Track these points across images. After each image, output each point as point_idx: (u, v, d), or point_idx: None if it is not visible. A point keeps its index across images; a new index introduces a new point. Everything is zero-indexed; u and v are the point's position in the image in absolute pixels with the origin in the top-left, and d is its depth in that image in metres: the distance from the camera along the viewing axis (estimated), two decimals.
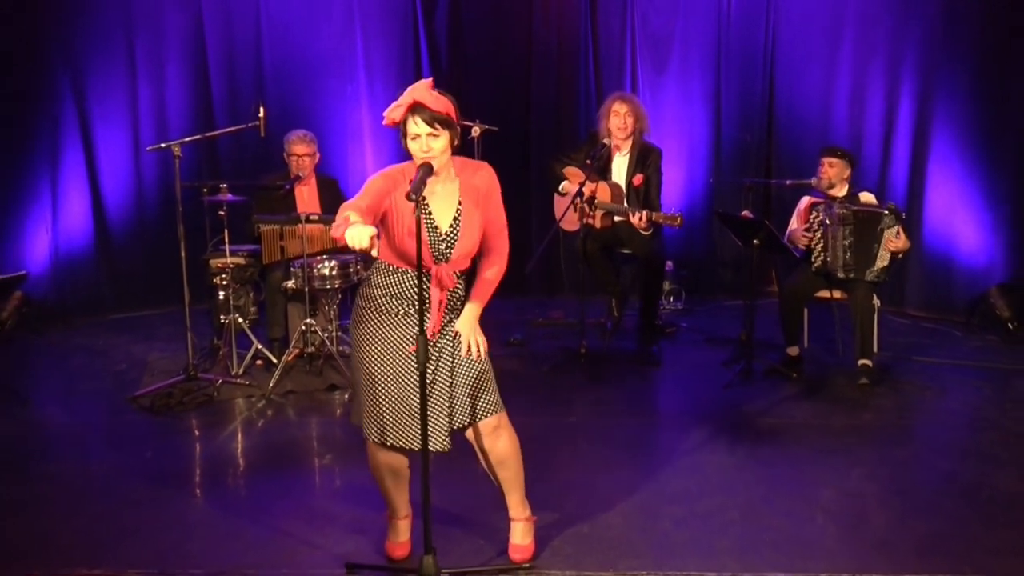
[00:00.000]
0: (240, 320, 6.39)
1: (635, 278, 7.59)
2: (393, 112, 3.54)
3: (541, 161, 8.10)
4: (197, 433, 5.52)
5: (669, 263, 7.96)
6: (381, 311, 3.65)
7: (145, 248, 8.21)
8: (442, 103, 3.51)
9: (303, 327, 6.27)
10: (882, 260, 6.03)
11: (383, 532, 4.02)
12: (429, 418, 3.58)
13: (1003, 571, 3.85)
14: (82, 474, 4.90)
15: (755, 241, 6.08)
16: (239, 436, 5.49)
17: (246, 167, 8.09)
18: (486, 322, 3.79)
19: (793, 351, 6.37)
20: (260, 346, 6.42)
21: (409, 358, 3.61)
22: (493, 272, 3.74)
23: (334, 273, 6.24)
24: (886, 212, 6.02)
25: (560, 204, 6.90)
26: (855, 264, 6.07)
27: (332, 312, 6.43)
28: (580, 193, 6.34)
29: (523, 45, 8.62)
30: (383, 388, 3.65)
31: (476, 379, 3.69)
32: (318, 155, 6.76)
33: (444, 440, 3.66)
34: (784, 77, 8.36)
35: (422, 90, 3.52)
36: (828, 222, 6.11)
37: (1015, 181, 7.36)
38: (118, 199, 8.17)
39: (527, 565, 3.88)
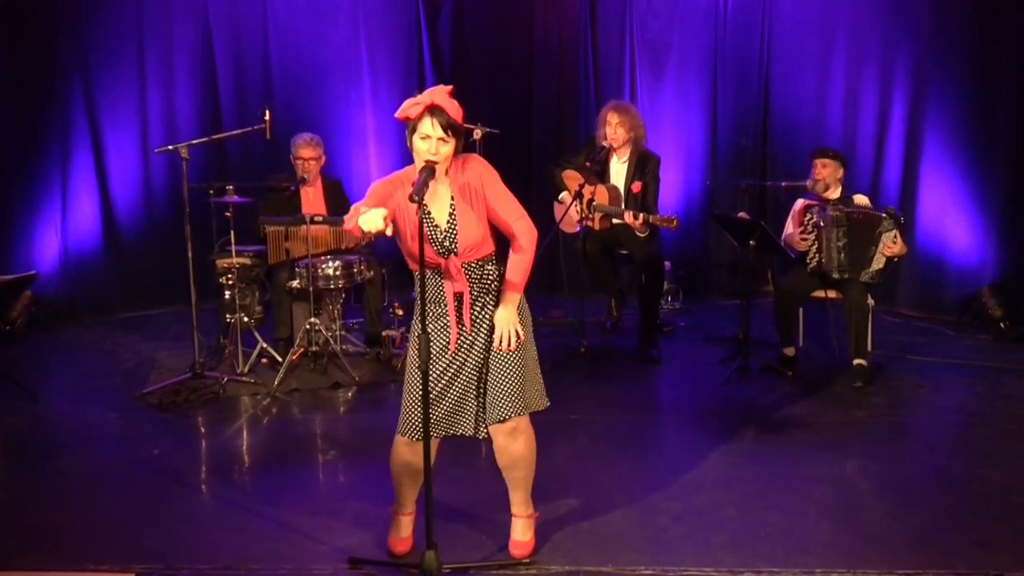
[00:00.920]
0: (246, 319, 6.37)
1: (633, 278, 7.57)
2: (410, 108, 3.51)
3: (542, 164, 8.08)
4: (203, 430, 5.51)
5: (667, 264, 7.93)
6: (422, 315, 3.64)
7: (153, 248, 8.20)
8: (457, 111, 3.50)
9: (307, 326, 6.25)
10: (877, 263, 6.01)
11: (386, 527, 4.00)
12: (460, 405, 3.67)
13: (995, 564, 3.83)
14: (91, 469, 4.88)
15: (751, 242, 6.06)
16: (244, 433, 5.47)
17: (252, 169, 8.09)
18: None
19: (789, 350, 6.35)
20: (265, 345, 6.41)
21: (443, 355, 3.65)
22: (520, 254, 3.64)
23: (338, 273, 6.22)
24: (884, 216, 6.00)
25: (560, 209, 6.88)
26: (850, 265, 6.05)
27: (336, 311, 6.41)
28: (580, 195, 6.32)
29: (524, 51, 8.62)
30: (415, 385, 3.66)
31: (506, 375, 3.67)
32: (324, 158, 6.75)
33: (469, 426, 3.72)
34: (779, 82, 8.35)
35: (442, 94, 3.51)
36: (822, 224, 6.09)
37: (1005, 182, 7.35)
38: (127, 200, 8.16)
39: (527, 561, 3.86)
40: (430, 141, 3.46)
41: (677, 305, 8.18)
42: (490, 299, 3.67)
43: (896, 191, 7.82)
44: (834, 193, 6.28)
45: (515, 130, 8.40)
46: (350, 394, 6.02)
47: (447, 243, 3.60)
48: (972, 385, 6.12)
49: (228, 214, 6.12)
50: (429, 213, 3.61)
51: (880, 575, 3.77)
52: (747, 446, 5.09)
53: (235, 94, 8.33)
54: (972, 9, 7.37)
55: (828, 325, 6.71)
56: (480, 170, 3.62)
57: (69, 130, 7.84)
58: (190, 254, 5.97)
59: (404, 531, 3.95)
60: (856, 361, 6.02)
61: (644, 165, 6.75)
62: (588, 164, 6.50)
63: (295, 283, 6.28)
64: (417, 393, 3.63)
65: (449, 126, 3.45)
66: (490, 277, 3.68)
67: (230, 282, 6.36)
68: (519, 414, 3.70)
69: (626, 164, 6.79)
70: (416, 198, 3.28)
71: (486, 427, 3.73)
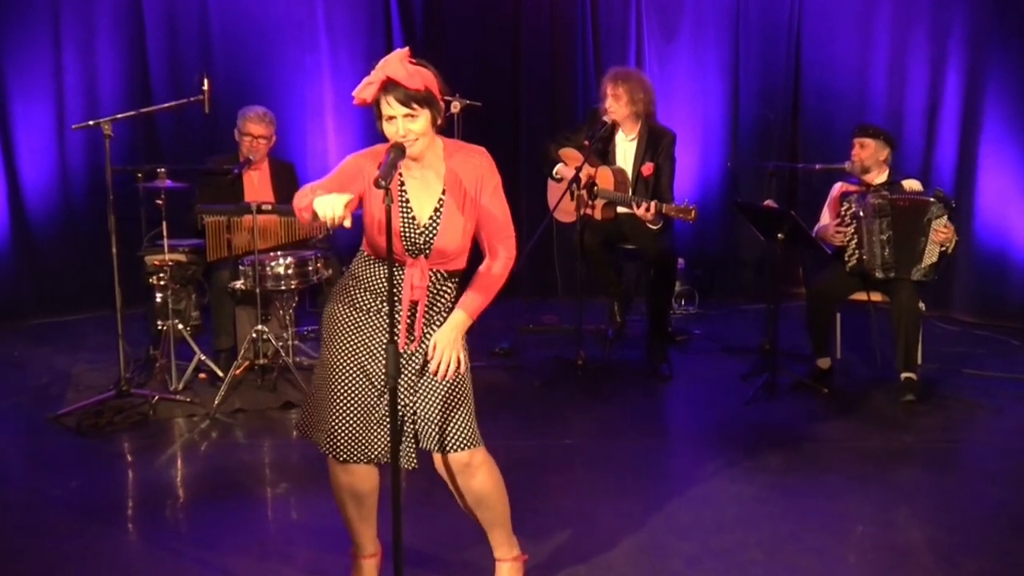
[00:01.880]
0: (180, 327, 6.36)
1: (640, 277, 7.58)
2: (364, 91, 3.49)
3: (532, 143, 8.09)
4: (130, 458, 5.49)
5: (680, 261, 7.95)
6: (354, 306, 3.64)
7: (70, 243, 8.18)
8: (420, 78, 3.46)
9: (254, 335, 6.25)
10: (930, 256, 6.02)
11: (347, 573, 3.99)
12: (384, 427, 3.62)
13: None
14: None
15: (779, 235, 6.07)
16: (179, 461, 5.45)
17: (188, 149, 8.07)
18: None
19: (823, 362, 6.37)
20: (204, 357, 6.39)
21: (378, 360, 3.61)
22: (491, 279, 3.61)
23: (290, 272, 6.21)
24: (932, 200, 6.01)
25: (554, 192, 6.87)
26: (896, 262, 6.06)
27: (288, 317, 6.40)
28: (577, 179, 6.32)
29: (510, 8, 8.61)
30: (340, 392, 3.63)
31: (446, 402, 3.64)
32: (275, 138, 6.74)
33: (410, 456, 3.67)
34: (812, 46, 8.38)
35: (395, 64, 3.47)
36: (862, 214, 6.10)
37: None
38: (39, 185, 8.13)
39: None
40: (395, 122, 3.45)
41: (692, 310, 8.20)
42: (440, 318, 3.66)
43: (950, 176, 7.85)
44: (879, 177, 6.29)
45: (500, 103, 8.40)
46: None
47: (421, 242, 3.59)
48: None
49: (159, 202, 6.10)
50: (408, 202, 3.59)
51: None
52: (774, 477, 5.10)
53: (167, 59, 8.31)
54: None
55: (870, 332, 6.73)
56: (483, 171, 3.60)
57: None
58: (114, 250, 5.95)
59: None
60: (904, 375, 6.04)
61: (656, 143, 6.75)
62: (587, 142, 6.50)
63: (239, 283, 6.26)
64: (341, 412, 3.63)
65: (411, 99, 3.43)
66: (448, 295, 3.68)
67: (162, 283, 6.34)
68: (472, 446, 3.68)
69: (635, 142, 6.80)
70: (383, 183, 3.26)
71: (414, 457, 3.69)
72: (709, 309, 8.29)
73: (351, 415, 3.63)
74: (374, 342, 3.63)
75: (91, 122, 6.13)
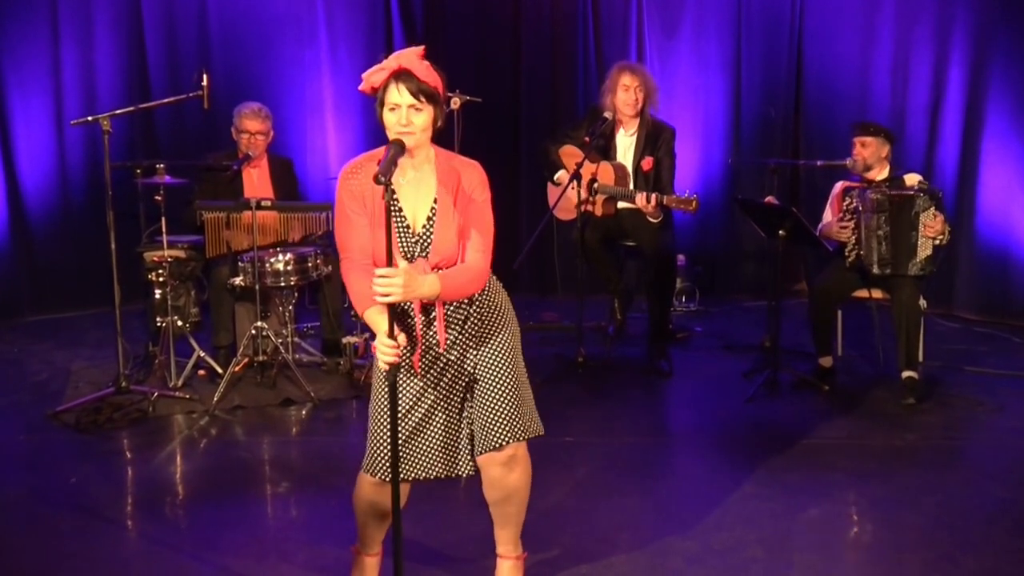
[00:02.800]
0: (180, 323, 6.37)
1: (640, 274, 7.59)
2: (375, 75, 3.50)
3: (533, 139, 8.10)
4: (129, 455, 5.49)
5: (681, 257, 7.96)
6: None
7: (69, 239, 8.19)
8: (432, 76, 3.48)
9: (253, 331, 6.25)
10: (924, 249, 6.03)
11: (346, 571, 4.00)
12: (442, 440, 3.66)
13: None
14: None
15: (781, 232, 6.08)
16: (178, 458, 5.46)
17: (187, 145, 8.07)
18: None
19: (825, 360, 6.38)
20: (203, 354, 6.40)
21: (410, 380, 3.63)
22: (471, 267, 3.58)
23: (289, 268, 6.22)
24: (915, 193, 6.02)
25: (554, 192, 6.88)
26: (893, 258, 6.06)
27: (287, 314, 6.41)
28: (577, 175, 6.32)
29: (511, 4, 8.62)
30: (376, 408, 3.64)
31: (499, 395, 3.66)
32: (272, 133, 6.75)
33: (465, 464, 3.72)
34: (814, 42, 8.38)
35: (411, 56, 3.49)
36: (861, 209, 6.11)
37: None
38: (37, 181, 8.14)
39: None
40: (399, 111, 3.45)
41: (692, 307, 8.21)
42: (467, 315, 3.65)
43: (953, 173, 7.86)
44: (879, 174, 6.30)
45: (500, 99, 8.41)
46: (304, 412, 6.02)
47: (418, 250, 3.58)
48: None
49: (158, 198, 6.10)
50: (401, 211, 3.57)
51: None
52: (775, 475, 5.11)
53: (166, 55, 8.31)
54: None
55: (872, 331, 6.74)
56: (476, 180, 3.58)
57: None
58: (113, 246, 5.95)
59: (368, 575, 3.95)
60: (906, 374, 6.05)
61: (656, 138, 6.78)
62: (588, 139, 6.51)
63: (238, 280, 6.27)
64: (385, 428, 3.59)
65: (421, 91, 3.44)
66: (464, 303, 3.66)
67: (161, 279, 6.35)
68: (517, 440, 3.69)
69: (634, 137, 6.81)
70: (383, 178, 3.25)
71: (472, 463, 3.71)
72: (710, 306, 8.29)
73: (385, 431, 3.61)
74: (406, 360, 3.61)
75: (90, 118, 6.12)
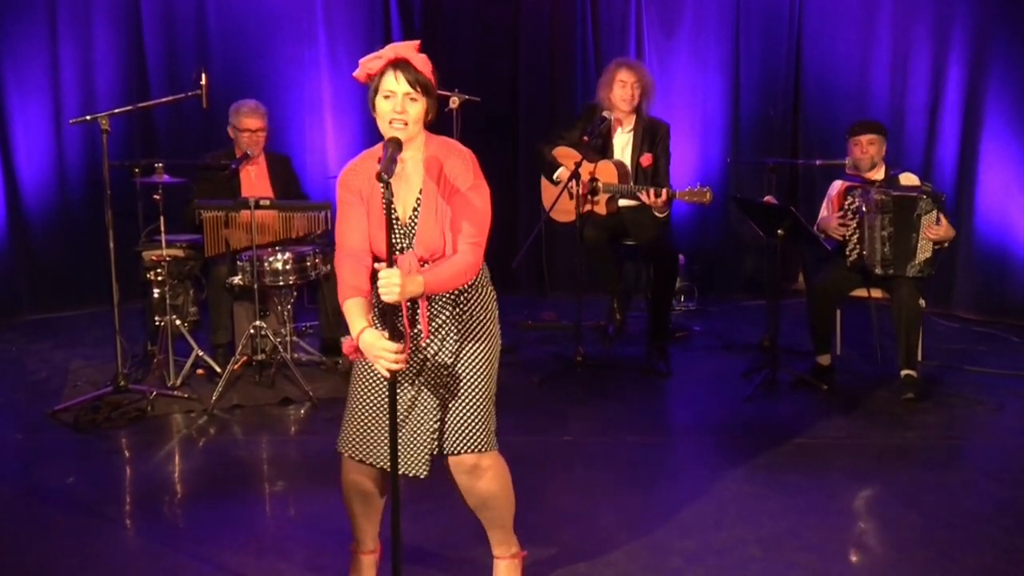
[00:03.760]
0: (178, 322, 6.36)
1: (640, 274, 7.59)
2: (371, 63, 3.51)
3: (531, 138, 8.09)
4: (127, 454, 5.49)
5: (680, 257, 7.96)
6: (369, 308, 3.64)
7: (67, 238, 8.18)
8: (428, 69, 3.51)
9: (251, 330, 6.25)
10: (924, 251, 6.04)
11: (344, 570, 4.00)
12: (409, 437, 3.61)
13: None
14: None
15: (779, 231, 6.08)
16: (177, 457, 5.46)
17: (186, 144, 8.07)
18: None
19: (824, 359, 6.38)
20: (201, 353, 6.40)
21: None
22: (460, 260, 3.53)
23: (288, 267, 6.22)
24: (921, 196, 6.03)
25: (549, 190, 6.87)
26: (894, 258, 6.07)
27: (286, 313, 6.41)
28: (576, 177, 6.30)
29: (510, 3, 8.62)
30: (357, 386, 3.67)
31: (470, 401, 3.64)
32: (267, 130, 6.74)
33: (423, 464, 3.65)
34: (813, 41, 8.38)
35: (407, 48, 3.53)
36: (864, 209, 6.12)
37: None
38: (35, 180, 8.14)
39: None
40: (394, 99, 3.46)
41: (692, 306, 8.21)
42: (450, 307, 3.65)
43: (952, 172, 7.86)
44: (877, 172, 6.31)
45: (499, 98, 8.41)
46: (302, 411, 6.02)
47: (406, 240, 3.58)
48: None
49: (157, 197, 6.10)
50: (390, 201, 3.58)
51: None
52: (774, 474, 5.11)
53: (165, 54, 8.31)
54: None
55: (871, 330, 6.74)
56: (459, 168, 3.55)
57: None
58: (111, 245, 5.95)
59: (366, 574, 3.95)
60: (905, 372, 6.05)
61: (653, 135, 6.79)
62: (586, 138, 6.50)
63: (236, 279, 6.27)
64: (358, 407, 3.66)
65: (417, 81, 3.46)
66: (448, 295, 3.66)
67: (159, 278, 6.35)
68: (480, 450, 3.67)
69: (631, 135, 6.82)
70: (384, 176, 3.27)
71: (427, 466, 3.67)
72: (709, 305, 8.29)
73: (363, 411, 3.65)
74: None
75: (88, 117, 6.12)
